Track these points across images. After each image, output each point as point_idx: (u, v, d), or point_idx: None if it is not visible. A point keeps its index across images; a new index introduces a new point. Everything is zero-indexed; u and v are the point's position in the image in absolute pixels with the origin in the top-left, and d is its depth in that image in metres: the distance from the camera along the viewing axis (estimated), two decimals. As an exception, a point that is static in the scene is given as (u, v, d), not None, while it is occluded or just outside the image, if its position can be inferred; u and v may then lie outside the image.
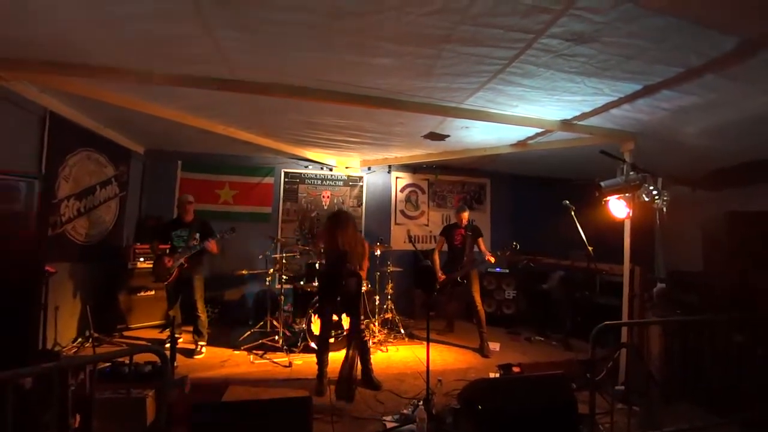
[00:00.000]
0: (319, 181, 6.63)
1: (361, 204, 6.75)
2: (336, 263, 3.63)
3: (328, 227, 3.79)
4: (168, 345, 3.45)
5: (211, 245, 4.37)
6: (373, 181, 6.84)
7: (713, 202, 5.26)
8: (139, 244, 5.28)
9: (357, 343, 3.62)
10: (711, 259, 4.00)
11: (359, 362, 3.64)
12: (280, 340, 4.50)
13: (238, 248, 5.70)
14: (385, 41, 2.57)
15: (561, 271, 5.78)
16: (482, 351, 4.62)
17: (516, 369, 3.72)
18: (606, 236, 4.20)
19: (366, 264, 3.91)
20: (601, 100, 3.37)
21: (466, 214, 4.94)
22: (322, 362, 3.59)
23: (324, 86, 3.37)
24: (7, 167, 2.81)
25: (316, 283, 4.76)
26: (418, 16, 2.27)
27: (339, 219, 3.74)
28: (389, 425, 2.88)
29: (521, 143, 4.93)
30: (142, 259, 5.13)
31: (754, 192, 4.80)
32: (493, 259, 4.69)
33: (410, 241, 4.31)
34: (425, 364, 3.11)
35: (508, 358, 4.24)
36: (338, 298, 3.69)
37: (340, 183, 6.71)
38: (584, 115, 3.75)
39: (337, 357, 4.00)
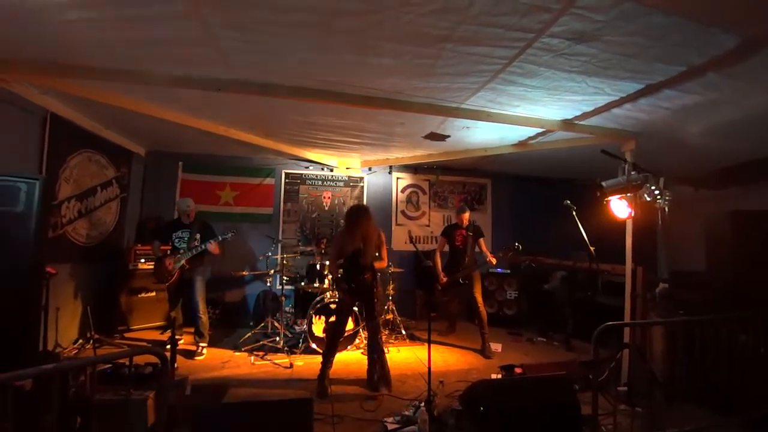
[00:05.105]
0: (320, 182, 6.62)
1: (362, 205, 6.74)
2: (352, 260, 3.59)
3: (344, 230, 3.75)
4: (168, 346, 3.44)
5: (213, 247, 4.37)
6: (373, 181, 6.84)
7: (716, 201, 5.24)
8: (140, 245, 5.29)
9: (375, 347, 3.62)
10: (714, 259, 3.97)
11: (368, 362, 3.66)
12: (281, 342, 4.48)
13: (239, 249, 5.70)
14: (385, 41, 2.57)
15: (563, 272, 5.75)
16: (484, 352, 4.61)
17: (518, 370, 3.71)
18: (608, 236, 4.18)
19: (384, 252, 3.79)
20: (602, 100, 3.36)
21: (466, 215, 4.92)
22: (327, 363, 3.56)
23: (324, 87, 3.37)
24: (7, 168, 2.81)
25: (317, 284, 4.75)
26: (417, 16, 2.27)
27: (351, 216, 3.68)
28: (391, 427, 2.86)
29: (522, 143, 4.92)
30: (143, 261, 5.12)
31: (758, 191, 4.78)
32: (494, 261, 4.66)
33: (411, 241, 4.27)
34: (427, 366, 3.09)
35: (510, 359, 4.22)
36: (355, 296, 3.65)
37: (341, 184, 6.70)
38: (585, 115, 3.74)
39: (338, 358, 3.98)
